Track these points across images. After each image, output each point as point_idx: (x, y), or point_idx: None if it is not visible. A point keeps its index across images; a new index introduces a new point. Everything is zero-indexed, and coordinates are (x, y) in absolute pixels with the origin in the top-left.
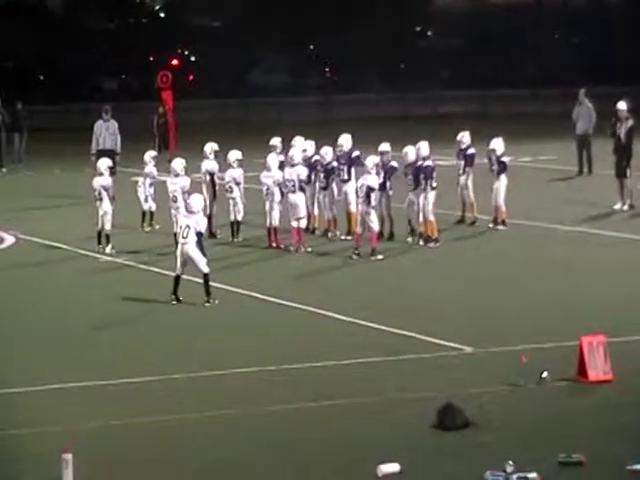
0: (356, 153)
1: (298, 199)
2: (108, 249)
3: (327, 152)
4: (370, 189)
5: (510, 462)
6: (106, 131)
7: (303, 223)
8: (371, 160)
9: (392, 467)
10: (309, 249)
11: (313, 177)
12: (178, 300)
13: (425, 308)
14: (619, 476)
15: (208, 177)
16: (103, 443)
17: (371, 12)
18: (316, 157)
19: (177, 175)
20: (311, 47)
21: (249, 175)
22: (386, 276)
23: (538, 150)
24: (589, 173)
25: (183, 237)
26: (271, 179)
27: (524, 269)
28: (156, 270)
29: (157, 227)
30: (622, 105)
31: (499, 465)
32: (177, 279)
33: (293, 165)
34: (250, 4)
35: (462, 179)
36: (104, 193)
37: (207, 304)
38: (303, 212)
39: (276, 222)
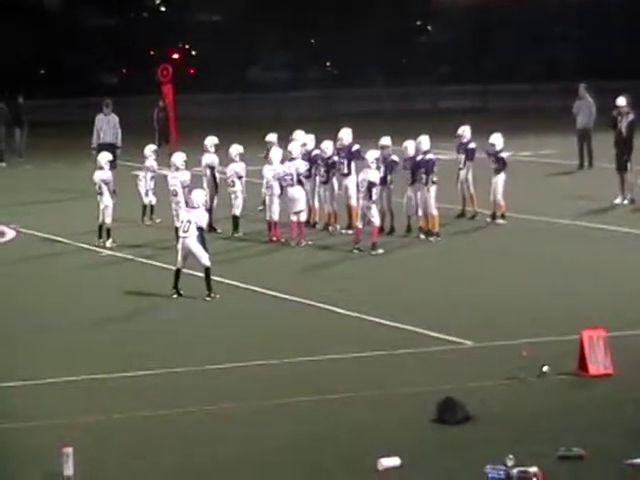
0: (356, 147)
1: (296, 192)
2: (109, 243)
3: (328, 146)
4: (371, 184)
5: (510, 456)
6: (107, 125)
7: (303, 216)
8: (371, 155)
9: (393, 461)
10: (309, 242)
11: (313, 171)
12: (179, 294)
13: (425, 302)
14: (619, 470)
15: (208, 171)
16: (104, 437)
17: (371, 7)
18: (316, 151)
19: (178, 169)
20: (312, 41)
21: (250, 169)
22: (387, 270)
23: (539, 144)
24: (589, 167)
25: (184, 231)
26: (272, 172)
27: (524, 263)
28: (157, 264)
29: (158, 221)
30: (621, 101)
31: (499, 459)
32: (178, 273)
33: (292, 159)
34: None
35: (462, 173)
36: (104, 187)
37: (208, 298)
38: (301, 205)
39: (276, 216)
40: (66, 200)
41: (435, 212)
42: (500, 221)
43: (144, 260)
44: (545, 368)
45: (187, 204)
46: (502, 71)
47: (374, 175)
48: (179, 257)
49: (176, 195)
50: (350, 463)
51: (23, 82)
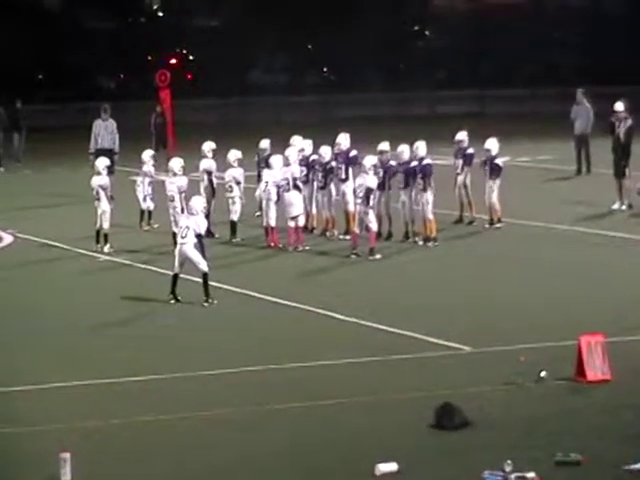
0: (354, 152)
1: (293, 197)
2: (106, 248)
3: (326, 151)
4: (369, 189)
5: (508, 461)
6: (104, 130)
7: (300, 221)
8: (369, 160)
9: (390, 466)
10: (307, 248)
11: (311, 176)
12: (177, 299)
13: (423, 308)
14: (616, 476)
15: (205, 176)
16: (102, 442)
17: (369, 12)
18: (314, 156)
19: (175, 175)
20: (309, 47)
21: (248, 175)
22: (384, 276)
23: (536, 150)
24: (587, 173)
25: (182, 237)
26: (272, 178)
27: (522, 269)
28: (154, 269)
29: (155, 226)
30: (619, 106)
31: (497, 464)
32: (175, 278)
33: (288, 164)
34: (249, 3)
35: (460, 179)
36: (102, 192)
37: (206, 304)
38: (298, 210)
39: (273, 222)
40: (64, 205)
41: (431, 216)
42: (497, 225)
43: (142, 265)
44: (543, 373)
45: (185, 210)
46: (500, 76)
47: (372, 181)
48: (176, 262)
49: (173, 200)
50: (347, 468)
51: (21, 86)
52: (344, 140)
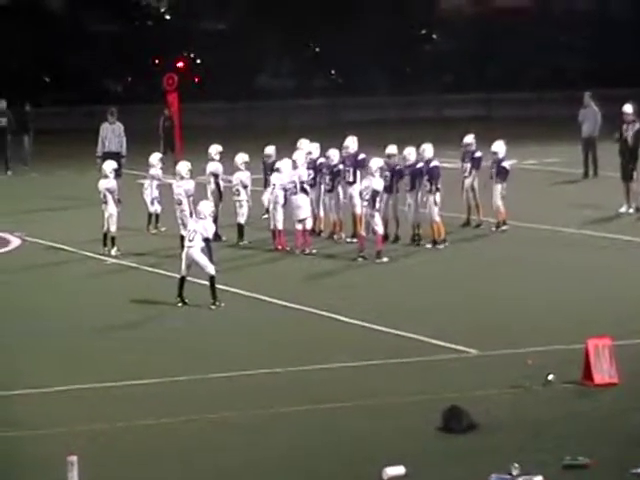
0: (362, 156)
1: (300, 200)
2: (114, 251)
3: (334, 154)
4: (375, 192)
5: (515, 465)
6: (112, 133)
7: (308, 224)
8: (375, 163)
9: (397, 470)
10: (314, 251)
11: (319, 179)
12: (184, 302)
13: (430, 311)
14: (624, 479)
15: (212, 179)
16: (107, 445)
17: (375, 15)
18: (321, 159)
19: (182, 178)
20: (316, 50)
21: (255, 178)
22: (391, 279)
23: (544, 153)
24: (595, 176)
25: (189, 240)
26: (279, 181)
27: (529, 272)
28: (162, 272)
29: (163, 229)
30: (628, 108)
31: (505, 468)
32: (182, 281)
33: (295, 167)
34: (255, 7)
35: (467, 182)
36: (109, 196)
37: (213, 307)
38: (306, 213)
39: (280, 225)
40: (71, 208)
41: (438, 219)
42: (503, 228)
43: (149, 268)
44: (550, 377)
45: (193, 214)
46: (506, 79)
47: (378, 183)
48: (183, 265)
49: (181, 204)
50: (355, 472)
51: (28, 89)
52: (352, 143)
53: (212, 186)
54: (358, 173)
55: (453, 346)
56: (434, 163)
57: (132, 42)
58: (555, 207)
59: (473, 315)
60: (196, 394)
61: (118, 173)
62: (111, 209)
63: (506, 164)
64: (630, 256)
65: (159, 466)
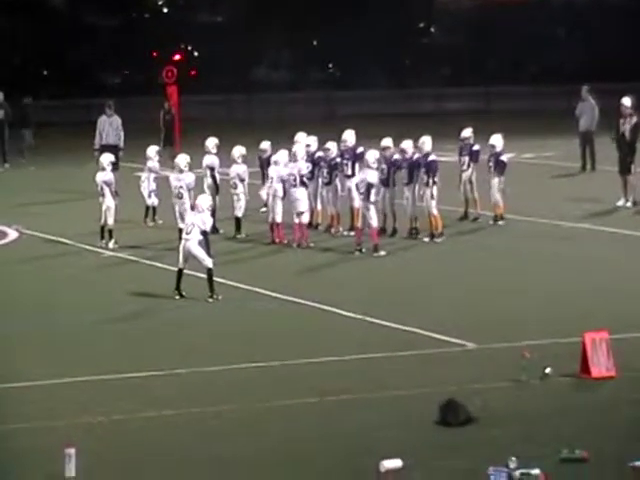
0: (360, 149)
1: (299, 194)
2: (111, 244)
3: (332, 147)
4: (370, 185)
5: (513, 458)
6: (109, 126)
7: (305, 218)
8: (372, 155)
9: (394, 463)
10: (312, 244)
11: (316, 173)
12: (181, 295)
13: (428, 304)
14: (621, 472)
15: (209, 172)
16: (105, 438)
17: (374, 8)
18: (319, 153)
19: (181, 171)
20: (314, 43)
21: (252, 171)
22: (388, 272)
23: (541, 147)
24: (592, 170)
25: (187, 233)
26: (277, 173)
27: (527, 265)
28: (159, 265)
29: (160, 222)
30: (627, 101)
31: (502, 461)
32: (180, 273)
33: (295, 160)
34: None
35: (465, 175)
36: (106, 188)
37: (210, 299)
38: (303, 207)
39: (279, 218)
40: (68, 201)
41: (436, 212)
42: (500, 222)
43: (146, 261)
44: (547, 370)
45: (193, 208)
46: (504, 73)
47: (373, 176)
48: (180, 258)
49: (181, 197)
50: (352, 464)
51: (27, 82)
52: (350, 137)
53: (209, 179)
54: (356, 166)
55: (450, 339)
56: (432, 157)
57: (129, 35)
58: (553, 200)
59: (471, 308)
60: (195, 387)
61: (115, 166)
62: (108, 202)
63: (504, 157)
64: (628, 249)
65: (157, 458)
